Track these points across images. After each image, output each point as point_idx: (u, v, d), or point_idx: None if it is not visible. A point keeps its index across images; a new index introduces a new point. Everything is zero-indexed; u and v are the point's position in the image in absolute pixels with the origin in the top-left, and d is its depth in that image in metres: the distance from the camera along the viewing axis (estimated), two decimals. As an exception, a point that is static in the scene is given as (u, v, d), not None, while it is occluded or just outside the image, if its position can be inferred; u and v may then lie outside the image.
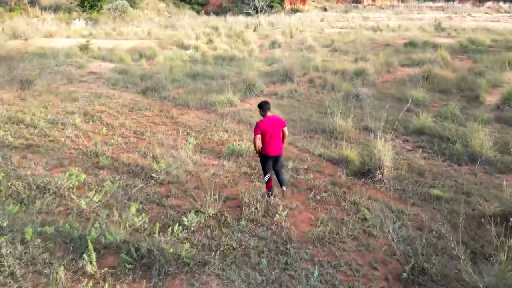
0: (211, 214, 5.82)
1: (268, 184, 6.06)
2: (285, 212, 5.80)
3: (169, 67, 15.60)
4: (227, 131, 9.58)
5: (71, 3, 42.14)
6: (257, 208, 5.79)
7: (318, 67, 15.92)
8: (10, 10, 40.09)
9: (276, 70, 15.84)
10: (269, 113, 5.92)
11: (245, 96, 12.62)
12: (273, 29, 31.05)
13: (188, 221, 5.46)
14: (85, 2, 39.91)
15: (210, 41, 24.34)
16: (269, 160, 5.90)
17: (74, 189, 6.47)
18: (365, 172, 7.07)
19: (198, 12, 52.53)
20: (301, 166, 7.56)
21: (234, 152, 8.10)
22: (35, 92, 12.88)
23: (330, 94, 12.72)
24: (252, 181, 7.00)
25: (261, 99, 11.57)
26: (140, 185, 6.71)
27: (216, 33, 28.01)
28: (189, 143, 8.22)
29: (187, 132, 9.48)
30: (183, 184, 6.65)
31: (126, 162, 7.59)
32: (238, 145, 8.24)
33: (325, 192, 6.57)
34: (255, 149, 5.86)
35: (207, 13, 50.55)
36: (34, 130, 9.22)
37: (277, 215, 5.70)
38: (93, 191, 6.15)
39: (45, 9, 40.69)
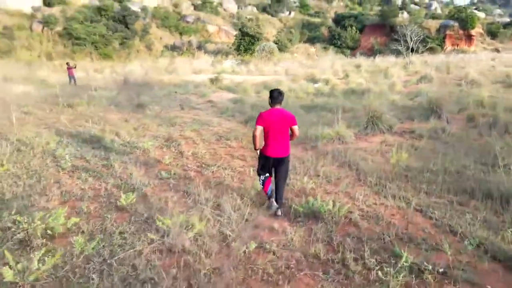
0: None
1: (265, 185, 4.78)
2: None
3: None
4: (318, 176, 6.24)
5: (230, 48, 44.76)
6: None
7: (483, 103, 11.17)
8: (181, 54, 44.65)
9: (419, 105, 11.74)
10: (278, 106, 4.58)
11: (364, 132, 8.98)
12: (426, 67, 26.03)
13: None
14: (241, 46, 41.79)
15: (346, 76, 21.20)
16: (266, 161, 4.69)
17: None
18: None
19: (347, 55, 50.04)
20: (435, 263, 3.69)
21: (309, 213, 4.73)
22: (143, 115, 11.85)
23: (502, 137, 8.09)
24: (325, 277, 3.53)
25: (388, 137, 7.90)
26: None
27: (356, 69, 24.73)
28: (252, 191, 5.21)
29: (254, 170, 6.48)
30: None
31: (141, 211, 4.96)
32: (322, 202, 4.81)
33: None
34: (254, 144, 4.67)
35: (355, 56, 47.63)
36: (99, 153, 7.57)
37: None
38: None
39: (209, 53, 44.11)
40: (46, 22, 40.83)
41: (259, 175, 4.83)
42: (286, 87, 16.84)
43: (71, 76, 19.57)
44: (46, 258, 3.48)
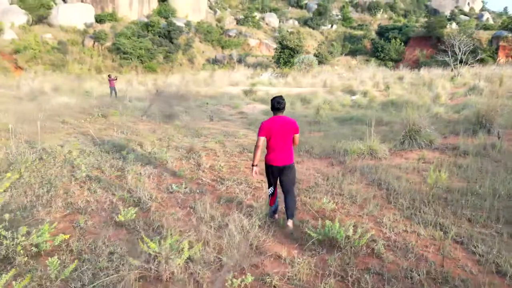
0: None
1: (272, 198, 4.59)
2: None
3: (315, 109, 12.33)
4: (341, 195, 5.52)
5: (270, 61, 44.61)
6: None
7: (543, 115, 9.87)
8: (222, 67, 45.13)
9: (465, 118, 10.59)
10: (279, 114, 4.38)
11: (401, 147, 8.07)
12: (476, 79, 24.16)
13: None
14: (280, 59, 41.49)
15: (386, 88, 20.06)
16: (271, 171, 4.44)
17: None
18: None
19: (391, 67, 48.12)
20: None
21: (325, 240, 4.04)
22: (171, 126, 11.66)
23: None
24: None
25: (427, 153, 7.05)
26: None
27: (398, 81, 23.43)
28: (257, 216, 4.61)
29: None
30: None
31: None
32: (340, 228, 4.11)
33: None
34: (253, 158, 4.40)
35: (398, 68, 45.68)
36: (116, 163, 7.32)
37: None
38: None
39: (249, 66, 44.23)
40: (97, 38, 42.94)
41: (269, 185, 4.62)
42: (321, 99, 16.14)
43: (112, 88, 20.08)
44: (14, 282, 3.09)
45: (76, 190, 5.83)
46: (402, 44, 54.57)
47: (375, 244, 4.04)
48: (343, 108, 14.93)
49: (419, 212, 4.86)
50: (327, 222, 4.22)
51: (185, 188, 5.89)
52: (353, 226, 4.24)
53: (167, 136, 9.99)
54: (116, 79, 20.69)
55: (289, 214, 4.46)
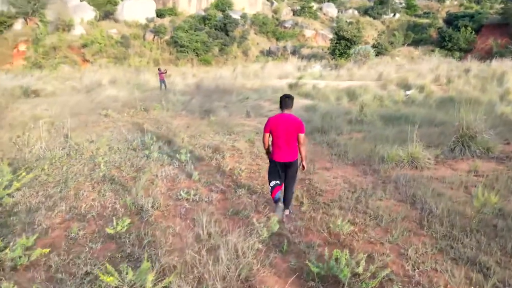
0: None
1: (274, 190, 4.48)
2: None
3: (359, 106, 11.21)
4: (365, 213, 4.70)
5: (325, 52, 43.04)
6: None
7: None
8: (275, 59, 44.39)
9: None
10: (286, 111, 4.40)
11: (450, 155, 6.91)
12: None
13: None
14: (336, 50, 39.80)
15: (448, 82, 18.08)
16: (274, 166, 4.52)
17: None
18: None
19: (457, 58, 44.00)
20: None
21: (328, 276, 3.33)
22: (207, 121, 11.35)
23: None
24: None
25: (481, 164, 5.99)
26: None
27: (464, 74, 21.07)
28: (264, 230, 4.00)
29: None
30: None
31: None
32: (348, 260, 3.37)
33: None
34: (264, 147, 4.61)
35: (466, 59, 41.61)
36: (138, 162, 7.10)
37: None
38: None
39: (303, 58, 43.00)
40: (157, 32, 44.26)
41: (269, 180, 4.61)
42: (371, 94, 14.86)
43: (161, 81, 20.35)
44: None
45: (87, 192, 5.64)
46: (473, 32, 49.65)
47: (390, 285, 3.25)
48: (394, 105, 13.57)
49: (457, 243, 3.92)
50: (335, 251, 3.49)
51: (194, 195, 5.42)
52: (368, 257, 3.49)
53: (199, 133, 9.65)
54: (165, 72, 20.93)
55: (286, 204, 4.66)
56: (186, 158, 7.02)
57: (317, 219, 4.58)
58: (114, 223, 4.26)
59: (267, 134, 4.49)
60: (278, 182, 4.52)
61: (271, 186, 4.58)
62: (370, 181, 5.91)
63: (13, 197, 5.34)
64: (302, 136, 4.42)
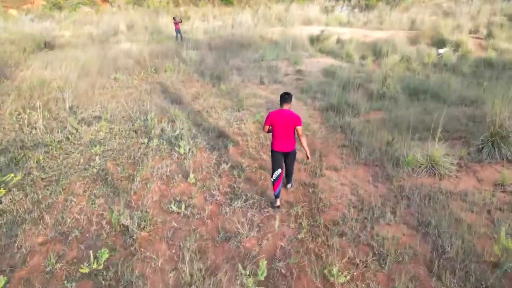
0: None
1: (276, 183, 4.92)
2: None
3: (383, 75, 10.04)
4: (370, 246, 4.16)
5: (356, -11, 39.38)
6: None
7: None
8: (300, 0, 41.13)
9: None
10: (285, 107, 4.80)
11: (477, 157, 6.05)
12: None
13: None
14: (366, -12, 36.27)
15: (488, 35, 16.10)
16: (275, 155, 4.93)
17: None
18: None
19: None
20: None
21: None
22: (217, 90, 10.63)
23: None
24: None
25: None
26: None
27: (507, 23, 18.68)
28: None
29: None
30: None
31: None
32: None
33: None
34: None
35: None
36: (135, 154, 6.68)
37: None
38: None
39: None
40: (176, -33, 41.44)
41: (272, 170, 4.96)
42: (398, 54, 13.41)
43: (177, 31, 19.17)
44: None
45: (77, 197, 5.32)
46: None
47: None
48: (423, 69, 12.21)
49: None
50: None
51: (187, 207, 5.00)
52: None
53: (205, 109, 9.01)
54: (181, 22, 19.64)
55: (288, 180, 5.39)
56: (185, 150, 6.51)
57: (311, 256, 4.09)
58: (91, 259, 3.92)
59: (267, 127, 4.88)
60: (279, 170, 4.90)
61: (273, 179, 4.93)
62: (381, 193, 5.27)
63: (0, 202, 5.11)
64: (300, 128, 4.74)
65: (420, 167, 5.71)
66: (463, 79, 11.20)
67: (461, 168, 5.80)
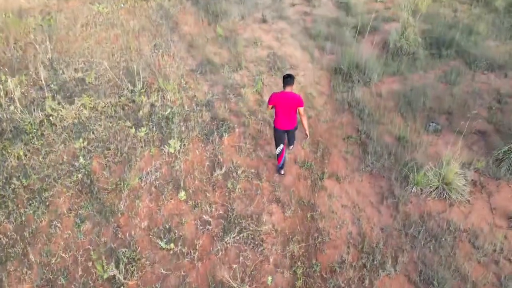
0: None
1: (279, 157, 5.30)
2: None
3: (402, 25, 8.32)
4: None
5: None
6: None
7: None
8: None
9: None
10: (288, 89, 4.88)
11: (494, 171, 5.28)
12: None
13: None
14: None
15: None
16: (278, 133, 5.14)
17: None
18: None
19: None
20: None
21: None
22: (213, 31, 9.13)
23: None
24: None
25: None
26: None
27: None
28: None
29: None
30: None
31: None
32: None
33: None
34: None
35: None
36: (119, 145, 5.94)
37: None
38: None
39: None
40: None
41: (276, 145, 5.24)
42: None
43: None
44: None
45: (62, 218, 4.86)
46: None
47: None
48: (452, 4, 10.17)
49: None
50: None
51: (175, 242, 4.56)
52: None
53: (200, 67, 7.79)
54: None
55: (290, 144, 5.57)
56: (176, 147, 5.74)
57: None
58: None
59: (270, 106, 5.01)
60: (282, 146, 5.19)
61: (277, 153, 5.30)
62: (384, 224, 4.74)
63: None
64: (301, 109, 4.92)
65: (430, 186, 5.04)
66: (495, 17, 9.46)
67: (475, 187, 5.12)
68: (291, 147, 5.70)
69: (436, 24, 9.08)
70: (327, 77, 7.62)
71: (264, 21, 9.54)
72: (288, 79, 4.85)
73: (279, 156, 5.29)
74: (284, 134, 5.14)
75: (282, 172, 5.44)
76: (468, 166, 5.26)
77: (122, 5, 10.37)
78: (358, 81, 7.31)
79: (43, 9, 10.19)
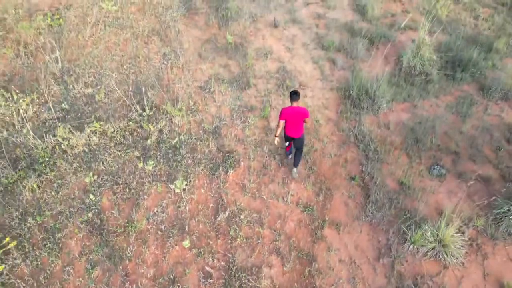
0: None
1: (288, 147, 6.06)
2: None
3: (416, 44, 7.60)
4: None
5: None
6: None
7: None
8: None
9: None
10: (294, 104, 5.44)
11: (492, 231, 5.11)
12: None
13: None
14: None
15: None
16: (287, 138, 5.83)
17: None
18: None
19: None
20: None
21: None
22: (223, 39, 8.62)
23: None
24: None
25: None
26: None
27: None
28: None
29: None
30: None
31: None
32: None
33: None
34: (275, 132, 5.72)
35: None
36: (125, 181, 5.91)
37: None
38: None
39: None
40: None
41: (286, 141, 5.97)
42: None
43: None
44: None
45: (74, 263, 5.00)
46: None
47: None
48: (475, 8, 9.22)
49: None
50: None
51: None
52: None
53: (207, 85, 7.46)
54: None
55: (295, 164, 6.00)
56: (182, 187, 5.69)
57: None
58: None
59: (282, 121, 5.51)
60: (289, 142, 5.92)
61: (286, 145, 6.03)
62: (378, 284, 4.75)
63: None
64: (308, 119, 5.58)
65: (427, 246, 4.96)
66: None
67: (471, 248, 5.02)
68: (294, 170, 6.00)
69: (455, 35, 8.38)
70: (336, 100, 7.25)
71: (275, 26, 8.91)
72: (294, 96, 5.41)
73: (287, 146, 6.08)
74: (292, 139, 5.81)
75: (290, 157, 6.22)
76: (467, 223, 5.13)
77: (132, 0, 9.78)
78: (367, 107, 6.95)
79: (52, 4, 9.68)
